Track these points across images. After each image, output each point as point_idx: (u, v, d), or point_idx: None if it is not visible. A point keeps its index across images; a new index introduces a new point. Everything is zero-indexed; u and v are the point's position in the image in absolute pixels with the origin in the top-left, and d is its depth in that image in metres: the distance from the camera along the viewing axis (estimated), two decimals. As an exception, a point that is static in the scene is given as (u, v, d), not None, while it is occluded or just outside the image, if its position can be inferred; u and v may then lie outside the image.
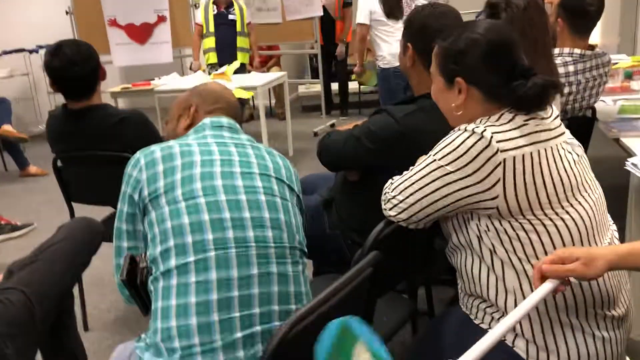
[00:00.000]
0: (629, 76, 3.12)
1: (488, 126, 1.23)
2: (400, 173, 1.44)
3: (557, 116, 1.32)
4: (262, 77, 4.79)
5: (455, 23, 1.70)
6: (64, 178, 2.37)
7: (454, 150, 1.24)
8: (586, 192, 1.29)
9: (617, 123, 2.30)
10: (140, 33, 6.16)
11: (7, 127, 4.71)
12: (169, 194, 1.25)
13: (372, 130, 1.69)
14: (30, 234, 3.59)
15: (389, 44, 4.11)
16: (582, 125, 2.40)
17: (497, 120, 1.25)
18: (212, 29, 5.15)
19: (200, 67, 5.32)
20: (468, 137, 1.22)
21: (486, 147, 1.20)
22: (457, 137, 1.24)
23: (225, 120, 1.45)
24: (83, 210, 2.49)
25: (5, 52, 5.83)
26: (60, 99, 5.59)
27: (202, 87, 1.57)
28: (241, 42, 5.22)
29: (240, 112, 1.58)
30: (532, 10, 1.98)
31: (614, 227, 1.42)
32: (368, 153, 1.71)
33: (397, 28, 4.07)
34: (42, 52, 6.22)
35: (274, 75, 5.07)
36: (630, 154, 2.01)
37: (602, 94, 2.50)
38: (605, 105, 2.65)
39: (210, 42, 5.19)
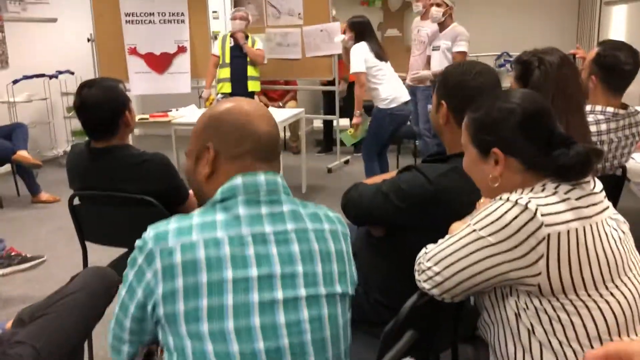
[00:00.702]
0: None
1: (532, 198, 1.17)
2: (430, 234, 1.38)
3: (602, 190, 1.26)
4: (281, 114, 4.79)
5: (493, 82, 1.66)
6: (78, 216, 2.32)
7: (496, 220, 1.17)
8: (631, 272, 1.22)
9: (651, 185, 2.23)
10: (160, 62, 6.20)
11: (22, 153, 4.70)
12: (191, 325, 1.05)
13: (402, 189, 1.63)
14: (39, 266, 3.54)
15: (386, 85, 4.32)
16: (612, 183, 2.33)
17: (541, 191, 1.19)
18: (227, 59, 5.42)
19: (211, 96, 5.48)
20: (511, 208, 1.16)
21: (530, 219, 1.14)
22: (500, 207, 1.18)
23: (262, 178, 1.16)
24: (94, 248, 2.45)
25: (26, 77, 5.86)
26: (76, 123, 5.57)
27: (219, 115, 1.21)
28: (252, 71, 5.48)
29: (277, 138, 1.25)
30: (565, 68, 1.94)
31: None
32: (397, 211, 1.64)
33: (388, 68, 4.36)
34: (62, 77, 6.28)
35: (292, 111, 5.08)
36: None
37: (633, 152, 2.44)
38: (636, 163, 2.58)
39: (225, 72, 5.43)
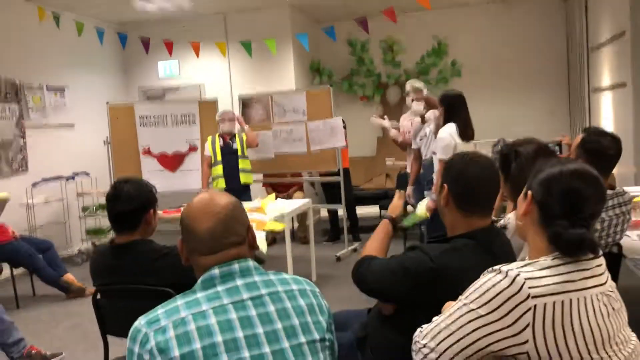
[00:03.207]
0: (650, 210, 3.19)
1: (522, 271, 1.26)
2: (436, 310, 1.47)
3: (601, 265, 1.33)
4: (289, 205, 4.95)
5: (491, 172, 1.82)
6: (101, 311, 2.42)
7: (484, 293, 1.27)
8: (617, 346, 1.28)
9: (645, 261, 2.33)
10: (172, 161, 6.50)
11: (70, 276, 4.99)
12: None
13: (406, 267, 1.75)
14: (57, 363, 3.58)
15: None
16: (609, 261, 2.42)
17: (533, 264, 1.28)
18: (219, 157, 5.80)
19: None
20: (500, 280, 1.25)
21: (517, 292, 1.22)
22: (489, 279, 1.28)
23: (236, 267, 1.32)
24: (112, 342, 2.52)
25: (45, 180, 6.13)
26: (90, 222, 5.79)
27: (186, 221, 1.38)
28: (243, 164, 5.83)
29: (221, 230, 1.36)
30: (540, 157, 2.10)
31: None
32: (402, 289, 1.76)
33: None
34: (77, 179, 6.55)
35: (299, 202, 5.24)
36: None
37: (626, 229, 2.56)
38: (631, 240, 2.70)
39: (218, 169, 5.79)
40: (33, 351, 3.49)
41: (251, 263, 1.36)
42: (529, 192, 1.38)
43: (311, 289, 1.41)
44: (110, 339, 2.47)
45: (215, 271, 1.31)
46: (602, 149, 2.42)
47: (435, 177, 4.14)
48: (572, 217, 1.30)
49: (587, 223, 1.30)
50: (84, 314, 4.51)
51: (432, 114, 5.29)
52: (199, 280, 1.32)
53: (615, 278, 2.48)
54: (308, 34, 6.50)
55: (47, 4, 6.17)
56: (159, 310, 1.27)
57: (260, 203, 4.32)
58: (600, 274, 1.32)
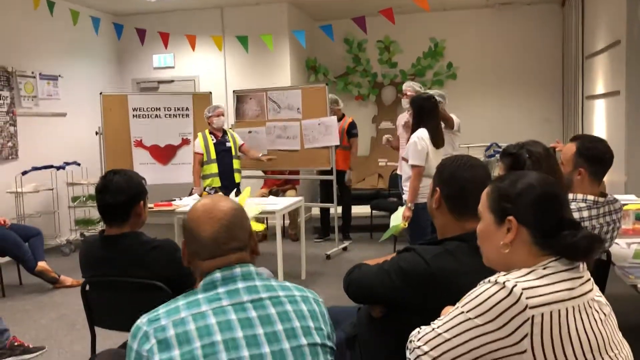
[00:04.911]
0: (639, 218, 3.21)
1: (519, 281, 1.26)
2: (426, 314, 1.47)
3: (587, 273, 1.35)
4: (281, 202, 4.94)
5: (483, 174, 1.83)
6: (89, 302, 2.41)
7: (482, 303, 1.26)
8: (612, 351, 1.30)
9: (634, 269, 2.35)
10: (164, 154, 6.47)
11: (43, 265, 4.91)
12: None
13: (402, 268, 1.74)
14: (40, 357, 3.55)
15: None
16: (598, 268, 2.45)
17: (529, 273, 1.29)
18: (213, 156, 5.58)
19: (204, 192, 5.55)
20: (497, 291, 1.25)
21: (515, 303, 1.23)
22: (487, 289, 1.28)
23: (238, 271, 1.34)
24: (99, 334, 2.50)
25: (35, 168, 6.09)
26: (80, 212, 5.76)
27: (189, 225, 1.40)
28: (236, 164, 5.70)
29: (224, 234, 1.38)
30: (551, 158, 2.13)
31: None
32: (396, 290, 1.75)
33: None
34: (68, 168, 6.51)
35: (291, 200, 5.24)
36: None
37: (616, 237, 2.58)
38: (620, 248, 2.72)
39: (212, 167, 5.57)
40: (16, 343, 3.46)
41: (252, 268, 1.37)
42: (510, 218, 1.35)
43: (314, 298, 1.42)
44: (98, 330, 2.45)
45: (217, 274, 1.33)
46: (601, 154, 2.44)
47: (409, 183, 4.07)
48: (566, 223, 1.32)
49: (576, 224, 1.33)
50: (71, 304, 4.49)
51: (401, 118, 5.30)
52: (201, 283, 1.33)
53: (603, 285, 2.50)
54: (305, 31, 6.49)
55: (42, -9, 6.10)
56: (161, 310, 1.27)
57: (237, 198, 4.25)
58: (588, 280, 1.34)
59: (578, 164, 2.41)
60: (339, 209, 6.41)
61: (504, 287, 1.26)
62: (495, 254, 1.40)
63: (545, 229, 1.33)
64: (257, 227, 3.94)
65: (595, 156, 2.44)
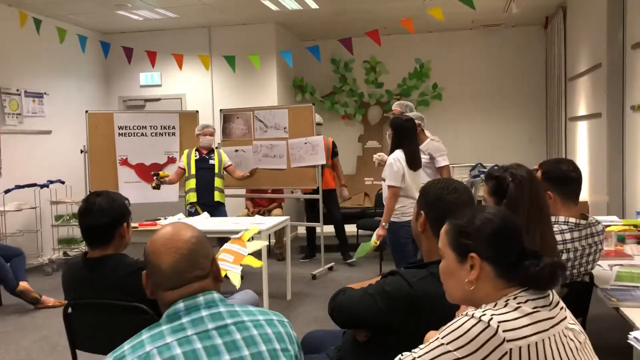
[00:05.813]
0: (621, 240, 3.25)
1: (494, 315, 1.27)
2: (411, 337, 1.47)
3: (559, 302, 1.37)
4: (267, 222, 4.93)
5: (467, 198, 1.85)
6: (72, 325, 2.37)
7: (461, 336, 1.27)
8: None
9: (616, 292, 2.37)
10: (149, 173, 6.43)
11: (25, 285, 4.84)
12: None
13: (387, 291, 1.75)
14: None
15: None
16: (581, 291, 2.47)
17: (503, 307, 1.30)
18: (193, 171, 5.65)
19: (164, 172, 5.59)
20: (475, 324, 1.27)
21: (492, 336, 1.24)
22: (465, 322, 1.29)
23: (201, 299, 1.33)
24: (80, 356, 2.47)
25: (18, 187, 6.01)
26: (63, 231, 5.71)
27: (150, 257, 1.38)
28: (218, 182, 5.70)
29: (184, 264, 1.36)
30: (534, 181, 2.15)
31: None
32: (381, 313, 1.76)
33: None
34: (52, 186, 6.44)
35: (278, 219, 5.23)
36: (630, 324, 2.06)
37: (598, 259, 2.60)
38: (602, 270, 2.74)
39: (191, 183, 5.64)
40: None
41: (216, 295, 1.36)
42: (472, 255, 1.37)
43: (279, 319, 1.42)
44: (79, 353, 2.42)
45: (180, 305, 1.32)
46: (564, 174, 2.47)
47: (386, 203, 4.11)
48: (528, 253, 1.35)
49: (536, 253, 1.36)
50: (53, 326, 4.41)
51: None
52: (164, 314, 1.32)
53: (586, 307, 2.52)
54: (292, 51, 6.54)
55: (29, 9, 6.11)
56: (125, 347, 1.27)
57: (241, 234, 4.15)
58: (561, 308, 1.36)
59: (546, 189, 2.43)
60: (327, 229, 6.39)
61: (479, 320, 1.27)
62: (459, 290, 1.42)
63: (509, 261, 1.35)
64: (254, 263, 3.86)
65: (558, 178, 2.47)
